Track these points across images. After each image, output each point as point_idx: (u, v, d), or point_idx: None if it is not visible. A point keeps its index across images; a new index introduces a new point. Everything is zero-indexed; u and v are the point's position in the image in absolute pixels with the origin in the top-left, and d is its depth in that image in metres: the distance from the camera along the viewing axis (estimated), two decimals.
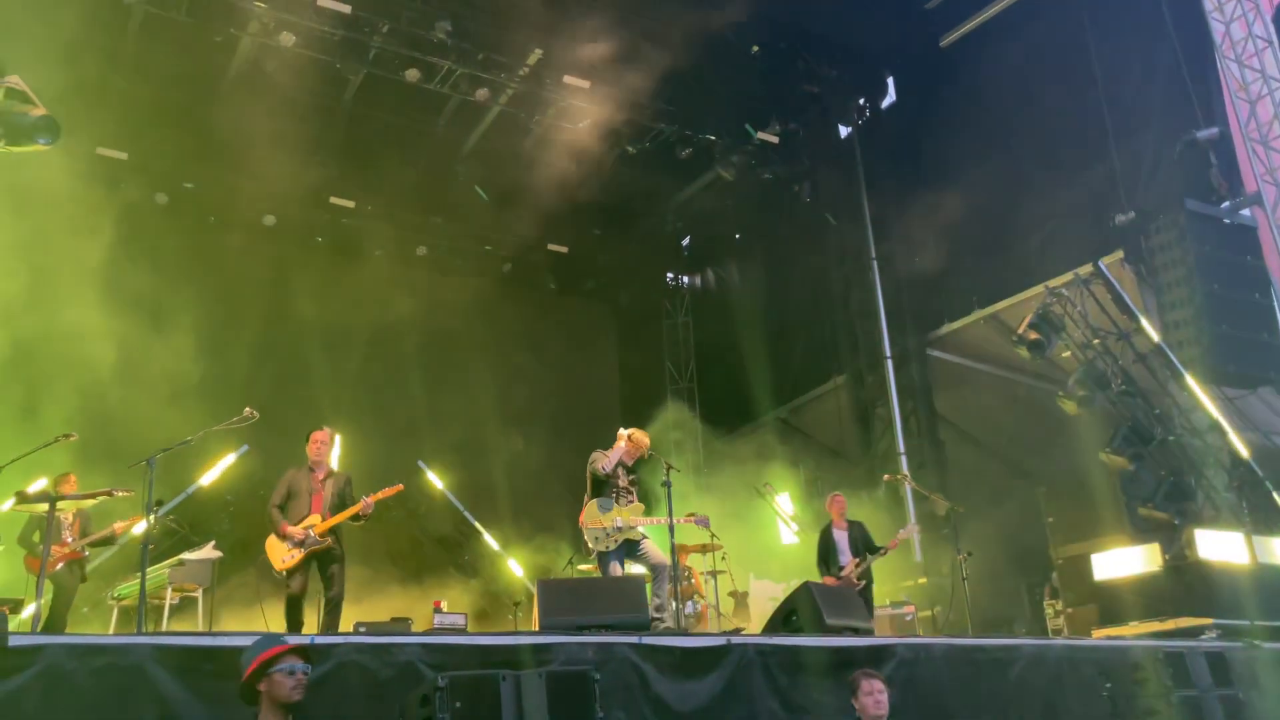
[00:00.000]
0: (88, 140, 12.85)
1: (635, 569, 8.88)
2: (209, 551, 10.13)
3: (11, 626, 5.84)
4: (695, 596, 11.56)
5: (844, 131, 16.65)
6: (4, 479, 8.69)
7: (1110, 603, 10.03)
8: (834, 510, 10.45)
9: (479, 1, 13.77)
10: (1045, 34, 13.32)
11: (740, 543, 12.82)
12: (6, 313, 11.37)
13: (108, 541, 9.72)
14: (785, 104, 16.29)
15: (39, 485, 9.13)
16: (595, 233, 18.87)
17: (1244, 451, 10.69)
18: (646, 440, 9.02)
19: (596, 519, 8.55)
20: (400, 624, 8.57)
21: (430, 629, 8.93)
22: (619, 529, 8.51)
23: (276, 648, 4.34)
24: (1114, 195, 12.15)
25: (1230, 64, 11.58)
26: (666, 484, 8.62)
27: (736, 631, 9.91)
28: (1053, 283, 11.18)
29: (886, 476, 12.89)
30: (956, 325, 14.72)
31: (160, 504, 7.73)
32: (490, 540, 14.67)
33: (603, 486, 8.72)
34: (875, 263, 15.74)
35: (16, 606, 8.89)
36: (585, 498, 8.75)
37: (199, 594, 10.10)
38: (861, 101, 16.46)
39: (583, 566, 12.04)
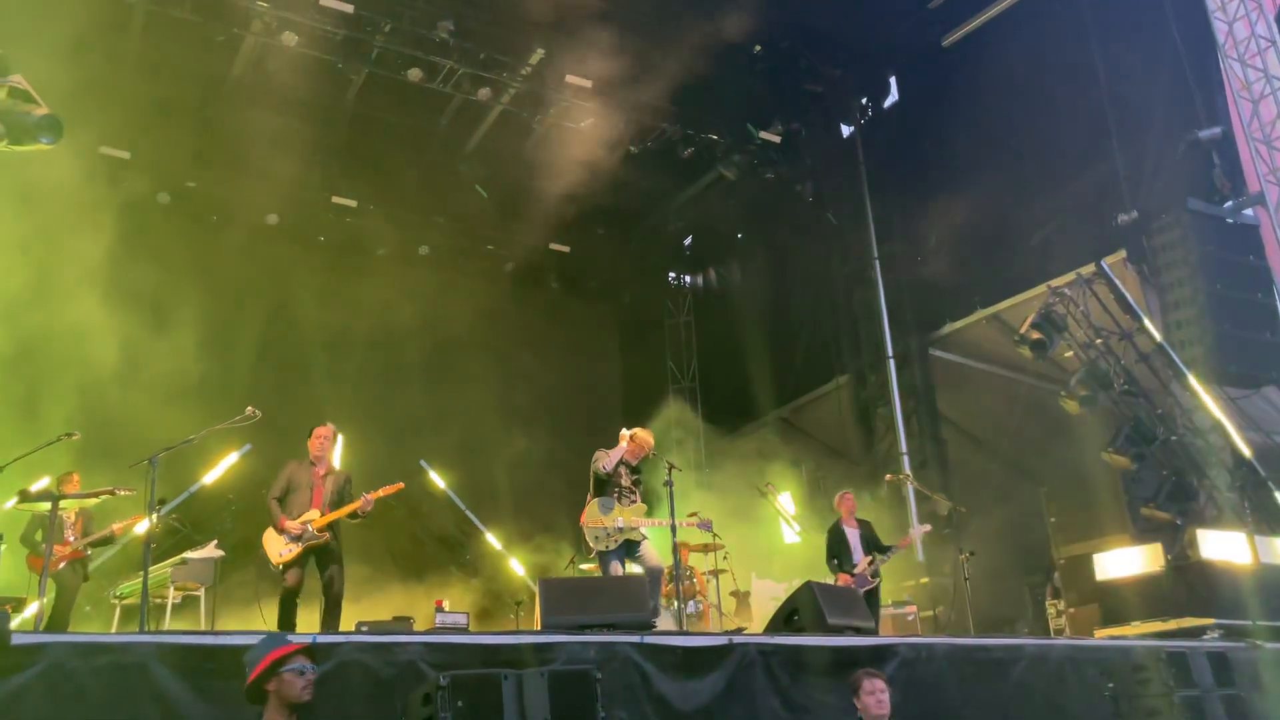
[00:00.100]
0: (90, 139, 12.86)
1: (635, 570, 8.87)
2: (211, 550, 10.13)
3: (14, 625, 5.85)
4: (697, 596, 11.56)
5: (846, 131, 16.64)
6: (6, 478, 8.71)
7: (1112, 603, 10.02)
8: (843, 508, 10.42)
9: (481, 1, 13.78)
10: (1048, 33, 13.30)
11: (742, 542, 12.82)
12: (9, 311, 11.39)
13: (107, 541, 9.74)
14: (787, 103, 16.29)
15: (42, 484, 9.15)
16: (598, 232, 18.88)
17: (1246, 451, 10.68)
18: (650, 440, 9.00)
19: (598, 518, 8.54)
20: (402, 623, 8.56)
21: (432, 628, 8.92)
22: (620, 529, 8.50)
23: (286, 647, 4.33)
24: (1117, 194, 12.14)
25: (1233, 63, 11.57)
26: (668, 483, 8.62)
27: (738, 631, 9.91)
28: (1055, 282, 11.17)
29: (888, 476, 12.88)
30: (959, 325, 14.72)
31: (163, 503, 7.76)
32: (492, 539, 14.68)
33: (605, 486, 8.70)
34: (877, 262, 15.73)
35: (19, 605, 8.91)
36: (588, 497, 8.74)
37: (201, 593, 10.11)
38: (864, 101, 16.45)
39: (584, 566, 12.04)
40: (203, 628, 9.76)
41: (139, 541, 9.71)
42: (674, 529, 8.54)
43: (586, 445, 9.25)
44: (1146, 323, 10.92)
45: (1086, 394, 10.57)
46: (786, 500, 14.88)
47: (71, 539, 9.45)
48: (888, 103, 16.39)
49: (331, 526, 8.00)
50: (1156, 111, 12.00)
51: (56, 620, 8.89)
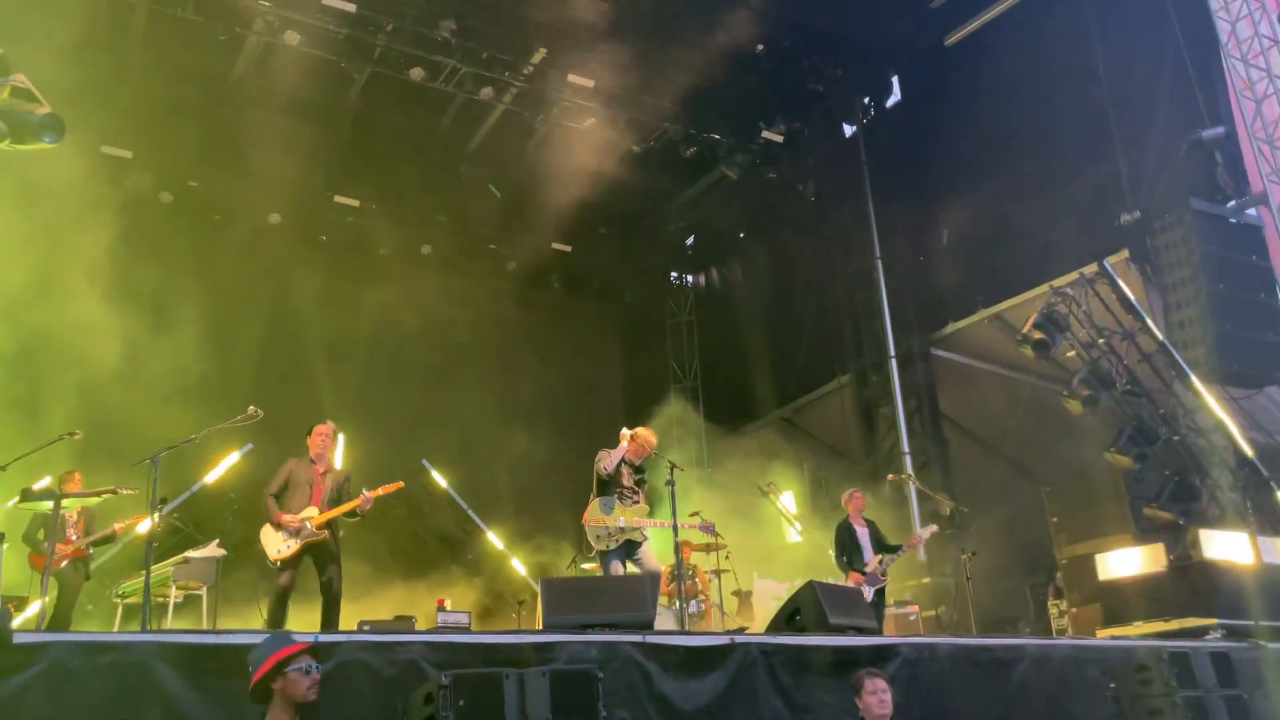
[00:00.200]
0: (93, 138, 12.89)
1: (635, 571, 8.85)
2: (213, 549, 10.13)
3: (16, 624, 5.86)
4: (699, 595, 11.56)
5: (849, 131, 16.63)
6: (8, 477, 8.72)
7: (1115, 603, 10.01)
8: (851, 507, 10.41)
9: (483, 0, 13.78)
10: (1050, 33, 13.29)
11: (744, 542, 12.81)
12: (11, 310, 11.40)
13: (109, 540, 9.75)
14: (790, 103, 16.28)
15: (44, 483, 9.15)
16: (600, 232, 18.89)
17: (1249, 451, 10.67)
18: (652, 439, 8.99)
19: (599, 518, 8.54)
20: (404, 622, 8.58)
21: (434, 627, 8.93)
22: (621, 529, 8.49)
23: (291, 647, 4.33)
24: (1119, 194, 12.14)
25: (1236, 63, 11.57)
26: (670, 483, 8.61)
27: (740, 630, 9.91)
28: (1057, 282, 11.16)
29: (890, 476, 12.87)
30: (961, 325, 14.71)
31: (164, 502, 7.73)
32: (494, 539, 14.69)
33: (607, 486, 8.70)
34: (880, 262, 15.71)
35: (21, 604, 8.92)
36: (591, 496, 8.74)
37: (203, 592, 10.10)
38: (866, 101, 16.44)
39: (586, 565, 12.04)
40: (204, 627, 9.76)
41: (141, 540, 9.74)
42: (675, 529, 8.52)
43: (588, 445, 9.25)
44: (1149, 322, 10.91)
45: (1089, 394, 10.55)
46: (789, 500, 14.87)
47: (74, 538, 9.46)
48: (890, 102, 16.39)
49: (330, 525, 7.97)
50: (1159, 111, 11.98)
51: (58, 619, 8.89)
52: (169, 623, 9.93)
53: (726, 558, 12.09)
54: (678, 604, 9.31)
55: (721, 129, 16.03)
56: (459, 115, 15.58)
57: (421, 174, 16.42)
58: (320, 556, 7.92)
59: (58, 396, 11.38)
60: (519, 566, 14.50)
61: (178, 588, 9.98)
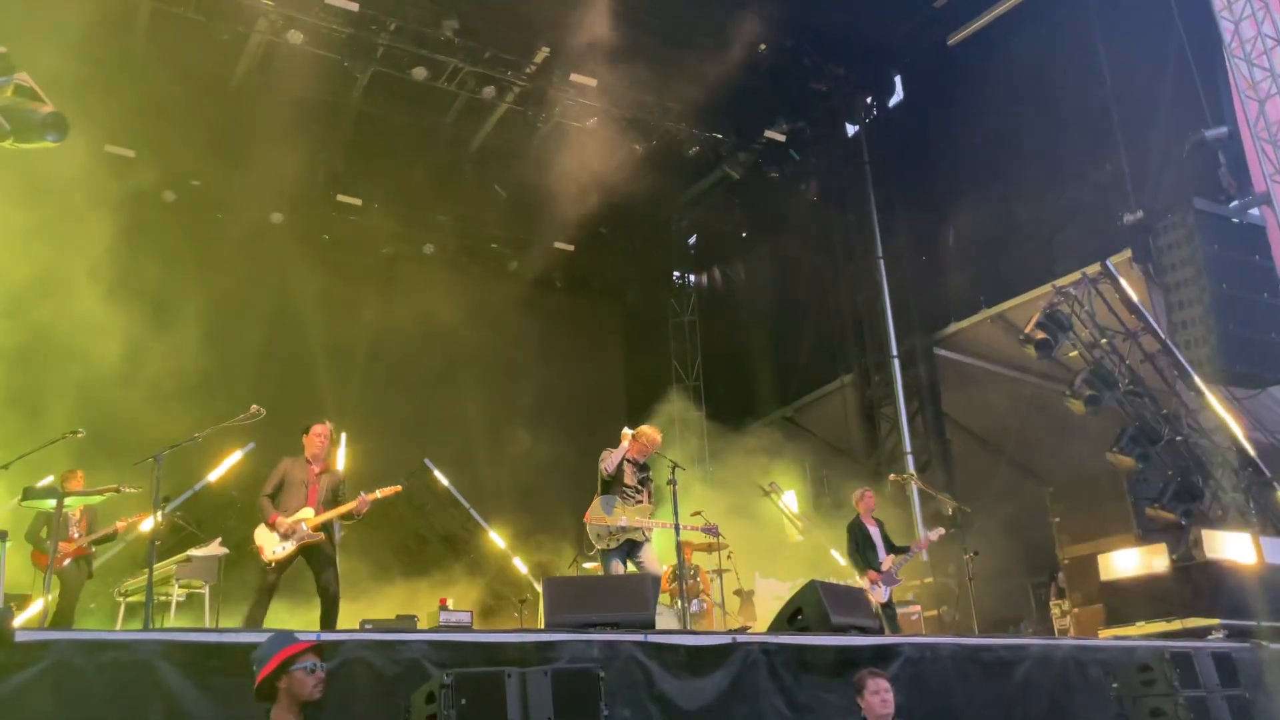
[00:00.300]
0: (96, 137, 12.88)
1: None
2: (215, 548, 10.13)
3: (19, 623, 5.86)
4: (701, 595, 11.55)
5: (851, 130, 16.62)
6: (11, 475, 8.73)
7: (1117, 603, 10.00)
8: (862, 506, 10.38)
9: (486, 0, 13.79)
10: (1053, 33, 13.29)
11: (746, 541, 12.80)
12: (14, 309, 11.41)
13: (110, 539, 9.75)
14: (792, 102, 16.28)
15: (46, 481, 9.16)
16: (602, 232, 18.88)
17: (1252, 451, 10.66)
18: (656, 436, 8.95)
19: (600, 517, 8.52)
20: (406, 621, 8.58)
21: (436, 626, 8.94)
22: (622, 528, 8.47)
23: (296, 645, 4.34)
24: (1122, 194, 12.13)
25: (1239, 62, 11.54)
26: (672, 482, 8.60)
27: (742, 630, 9.91)
28: (1060, 282, 11.15)
29: (893, 476, 12.86)
30: (963, 324, 14.70)
31: (167, 500, 7.74)
32: (496, 538, 14.68)
33: (610, 485, 8.68)
34: (882, 261, 15.72)
35: (24, 602, 8.92)
36: (595, 495, 8.73)
37: (205, 590, 10.11)
38: (869, 100, 16.43)
39: (587, 565, 12.04)
40: (207, 625, 9.77)
41: (143, 539, 9.76)
42: (677, 528, 8.51)
43: (590, 444, 9.24)
44: (1151, 322, 10.90)
45: (1091, 394, 10.55)
46: (791, 499, 14.87)
47: (76, 536, 9.46)
48: (893, 102, 16.37)
49: (326, 526, 7.85)
50: (1162, 111, 11.98)
51: (61, 617, 8.90)
52: (171, 621, 9.95)
53: (728, 557, 12.08)
54: (679, 603, 9.30)
55: (724, 128, 16.03)
56: (461, 114, 15.58)
57: (424, 173, 16.42)
58: (316, 559, 7.79)
59: (60, 394, 11.39)
60: (521, 566, 14.50)
61: (180, 586, 9.98)
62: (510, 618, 12.94)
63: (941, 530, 10.89)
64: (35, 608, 8.60)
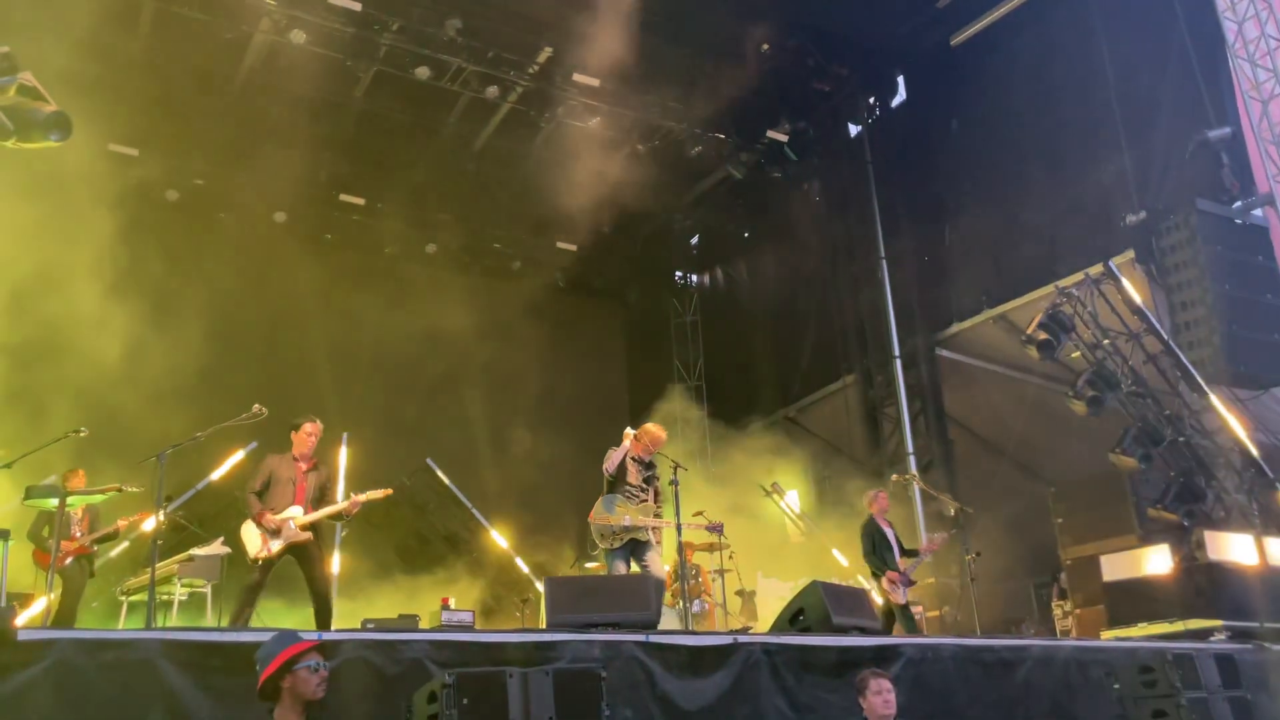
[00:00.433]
0: (99, 136, 12.88)
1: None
2: (217, 547, 10.15)
3: (21, 621, 5.86)
4: (702, 595, 11.55)
5: (854, 130, 16.62)
6: (13, 474, 8.73)
7: (1119, 604, 10.00)
8: (875, 507, 10.35)
9: None
10: (1056, 33, 13.27)
11: (748, 541, 12.81)
12: (16, 308, 11.43)
13: (112, 537, 9.76)
14: (795, 102, 16.27)
15: (49, 480, 9.16)
16: (605, 231, 18.86)
17: (1254, 452, 10.64)
18: (661, 434, 8.92)
19: (604, 516, 8.51)
20: (408, 621, 8.57)
21: (438, 626, 8.94)
22: (626, 527, 8.46)
23: (300, 645, 4.35)
24: (1125, 195, 12.12)
25: (1242, 63, 11.52)
26: (674, 483, 8.59)
27: (744, 630, 9.91)
28: (1063, 283, 11.13)
29: (895, 476, 12.87)
30: (966, 325, 14.68)
31: (169, 500, 7.73)
32: (498, 538, 14.69)
33: (614, 484, 8.67)
34: (884, 262, 15.71)
35: (26, 601, 8.93)
36: (601, 495, 8.72)
37: (207, 589, 10.12)
38: (871, 100, 16.42)
39: (589, 565, 12.04)
40: (209, 624, 9.78)
41: (146, 538, 9.77)
42: (679, 528, 8.51)
43: (592, 444, 9.24)
44: (1154, 323, 10.89)
45: (1093, 395, 10.53)
46: (793, 499, 14.87)
47: (78, 535, 9.47)
48: (895, 102, 16.36)
49: (313, 525, 7.80)
50: (1165, 111, 11.96)
51: (63, 616, 8.90)
52: (173, 620, 9.96)
53: (730, 557, 12.08)
54: (681, 603, 9.30)
55: (727, 128, 16.02)
56: (464, 114, 15.57)
57: (427, 173, 16.43)
58: (304, 558, 7.73)
59: (61, 393, 11.39)
60: (523, 565, 14.50)
61: (182, 585, 10.00)
62: (512, 617, 12.95)
63: (944, 535, 10.89)
64: (37, 607, 8.62)
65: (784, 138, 16.30)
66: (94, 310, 11.53)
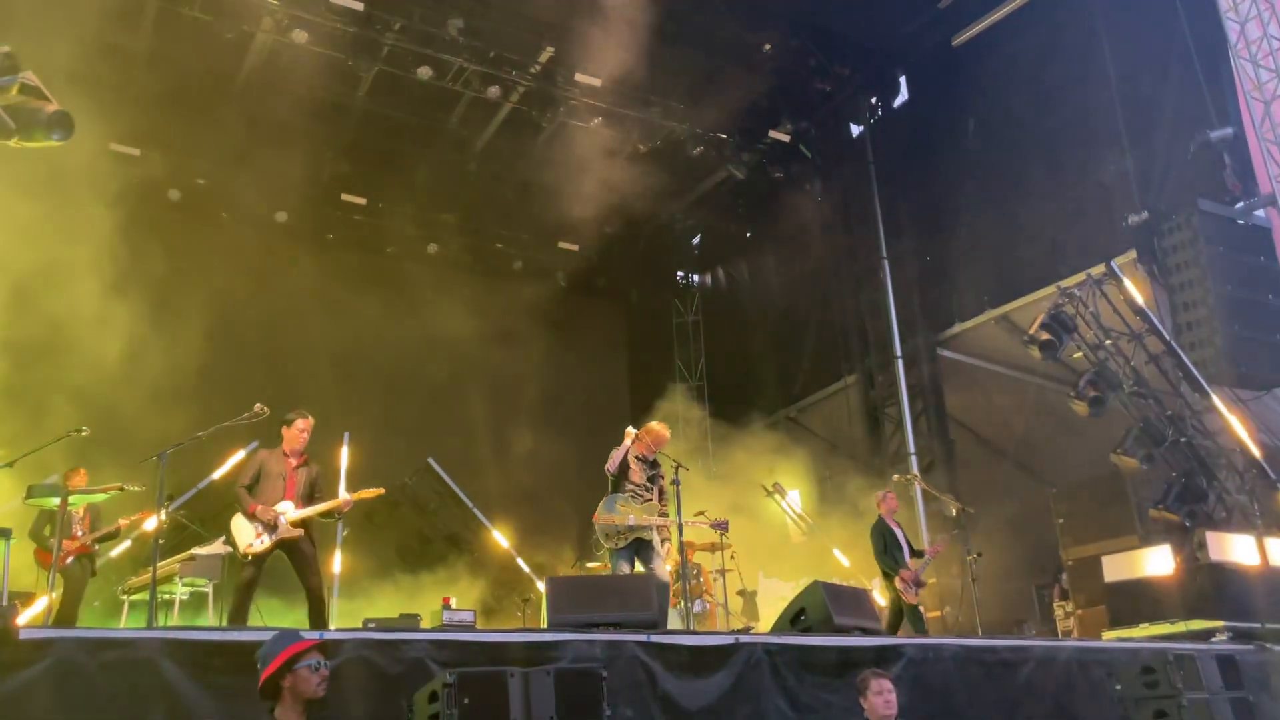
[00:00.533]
0: (101, 136, 12.90)
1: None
2: (219, 547, 10.13)
3: (23, 620, 5.87)
4: (704, 595, 11.55)
5: (856, 130, 16.61)
6: (14, 473, 8.74)
7: (1120, 604, 9.99)
8: (884, 507, 10.34)
9: None
10: (1058, 33, 13.26)
11: (749, 542, 12.82)
12: (17, 307, 11.43)
13: (113, 536, 9.77)
14: (797, 102, 16.26)
15: (51, 480, 9.17)
16: (606, 231, 18.86)
17: (1256, 453, 10.64)
18: (664, 432, 8.90)
19: (607, 516, 8.51)
20: (409, 620, 8.57)
21: (439, 625, 8.94)
22: (630, 527, 8.45)
23: (300, 644, 4.35)
24: (1127, 195, 12.11)
25: (1245, 63, 11.51)
26: (675, 482, 8.59)
27: (745, 630, 9.91)
28: (1065, 283, 11.14)
29: (896, 476, 12.86)
30: (968, 325, 14.67)
31: (171, 499, 7.72)
32: (499, 537, 14.70)
33: (618, 483, 8.67)
34: (886, 262, 15.70)
35: (27, 600, 8.93)
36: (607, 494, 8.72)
37: (209, 589, 10.13)
38: (873, 100, 16.41)
39: (590, 565, 12.05)
40: (210, 624, 9.78)
41: (146, 537, 9.78)
42: (680, 527, 8.50)
43: (593, 443, 9.24)
44: (1156, 324, 10.88)
45: (1095, 395, 10.53)
46: (795, 499, 14.87)
47: (79, 534, 9.48)
48: (897, 102, 16.34)
49: (305, 522, 7.71)
50: (1167, 112, 11.96)
51: (65, 615, 8.91)
52: (175, 620, 9.97)
53: (731, 557, 12.09)
54: (682, 603, 9.30)
55: (728, 128, 16.02)
56: (466, 114, 15.57)
57: (428, 173, 16.44)
58: (297, 555, 7.63)
59: (63, 392, 11.41)
60: (524, 565, 14.51)
61: (183, 585, 10.00)
62: (513, 617, 12.96)
63: (946, 537, 10.88)
64: (39, 606, 8.62)
65: (786, 138, 16.30)
66: (95, 309, 11.54)
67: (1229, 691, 7.13)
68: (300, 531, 7.63)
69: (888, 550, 10.04)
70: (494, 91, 14.41)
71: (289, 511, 7.64)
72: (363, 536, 12.94)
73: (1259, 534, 9.97)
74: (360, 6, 12.79)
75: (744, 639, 6.51)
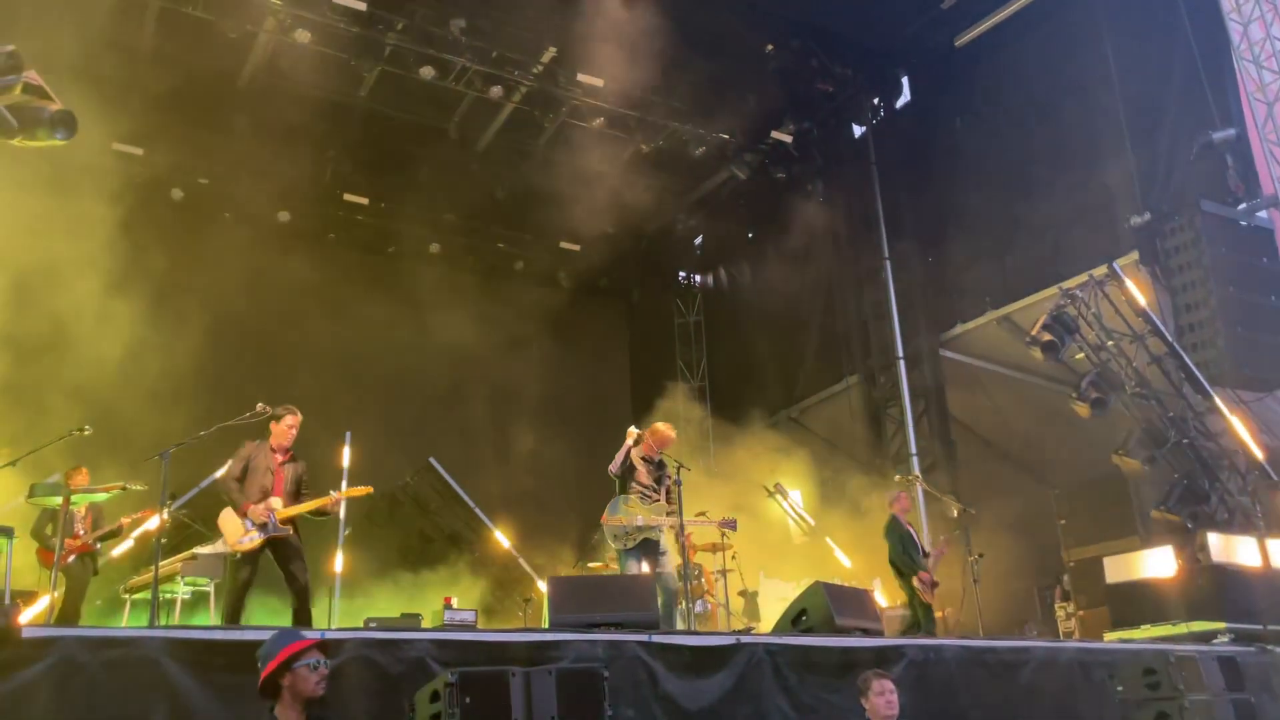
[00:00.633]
0: (104, 136, 12.91)
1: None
2: (220, 546, 10.09)
3: (25, 619, 5.88)
4: (705, 595, 11.55)
5: (858, 131, 16.60)
6: (15, 472, 8.75)
7: (1122, 606, 9.98)
8: (897, 507, 10.34)
9: None
10: (1061, 34, 13.25)
11: (751, 542, 12.81)
12: (19, 306, 11.45)
13: (115, 535, 9.78)
14: (799, 103, 16.25)
15: (53, 479, 9.18)
16: (608, 231, 18.86)
17: (1259, 454, 10.62)
18: (670, 433, 8.91)
19: (615, 518, 8.51)
20: (410, 620, 8.59)
21: (440, 625, 8.95)
22: (638, 527, 8.46)
23: (299, 643, 4.36)
24: (1129, 196, 12.10)
25: (1248, 65, 11.51)
26: (677, 483, 8.60)
27: (746, 630, 9.91)
28: (1067, 284, 11.13)
29: (898, 477, 12.85)
30: (969, 326, 14.67)
31: (174, 498, 7.71)
32: (501, 537, 14.70)
33: (625, 484, 8.68)
34: (888, 263, 15.70)
35: (29, 599, 8.94)
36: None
37: (211, 588, 10.13)
38: (876, 101, 16.40)
39: (591, 565, 12.05)
40: (212, 623, 9.79)
41: (148, 536, 9.78)
42: (682, 527, 8.51)
43: (595, 443, 9.26)
44: (1159, 325, 10.88)
45: (1097, 397, 10.52)
46: (797, 500, 14.86)
47: (81, 533, 9.49)
48: (900, 102, 16.33)
49: (293, 520, 7.66)
50: (1170, 113, 11.94)
51: (67, 614, 8.92)
52: (176, 619, 9.97)
53: (733, 558, 12.09)
54: (684, 603, 9.30)
55: (730, 129, 16.01)
56: (468, 114, 15.58)
57: (430, 173, 16.43)
58: (283, 552, 7.56)
59: (64, 391, 11.42)
60: (525, 565, 14.50)
61: (185, 584, 10.00)
62: (515, 617, 12.95)
63: (946, 538, 10.88)
64: (41, 605, 8.63)
65: (788, 138, 16.28)
66: (97, 309, 11.55)
67: (1231, 693, 7.13)
68: (290, 529, 7.58)
69: (905, 550, 10.02)
70: (496, 91, 14.41)
71: (277, 508, 7.57)
72: (364, 536, 12.93)
73: (1261, 535, 9.95)
74: (363, 6, 12.79)
75: (745, 639, 6.51)
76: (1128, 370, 10.90)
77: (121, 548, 10.47)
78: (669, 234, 19.85)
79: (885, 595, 12.26)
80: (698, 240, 20.61)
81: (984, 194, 14.28)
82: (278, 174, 14.32)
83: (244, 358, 14.18)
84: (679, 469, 8.69)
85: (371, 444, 12.30)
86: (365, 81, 14.38)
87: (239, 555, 7.49)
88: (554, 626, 6.62)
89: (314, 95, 14.02)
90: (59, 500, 8.95)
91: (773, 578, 13.13)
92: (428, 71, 13.75)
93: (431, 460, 14.71)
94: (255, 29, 12.92)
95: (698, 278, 20.71)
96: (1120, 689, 7.20)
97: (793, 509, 14.23)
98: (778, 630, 7.74)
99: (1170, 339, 10.84)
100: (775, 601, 11.97)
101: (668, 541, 8.58)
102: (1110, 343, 10.94)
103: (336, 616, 10.62)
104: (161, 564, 7.85)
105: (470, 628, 8.73)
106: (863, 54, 15.82)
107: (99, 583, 10.06)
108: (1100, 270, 11.16)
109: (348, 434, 11.80)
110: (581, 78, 14.41)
